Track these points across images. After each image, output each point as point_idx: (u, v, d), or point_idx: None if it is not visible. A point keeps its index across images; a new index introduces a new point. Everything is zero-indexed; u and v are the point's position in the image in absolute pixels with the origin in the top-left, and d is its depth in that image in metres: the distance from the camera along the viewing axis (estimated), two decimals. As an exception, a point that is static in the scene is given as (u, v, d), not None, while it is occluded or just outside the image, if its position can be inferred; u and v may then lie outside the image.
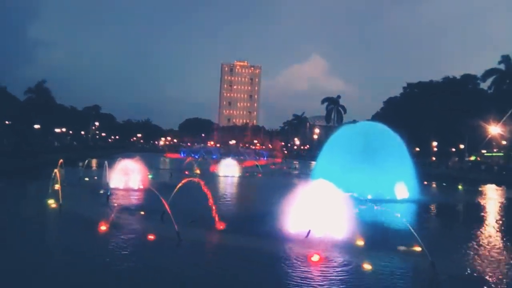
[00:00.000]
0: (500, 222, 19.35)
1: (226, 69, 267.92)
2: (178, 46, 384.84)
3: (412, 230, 10.56)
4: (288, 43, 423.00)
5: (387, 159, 23.97)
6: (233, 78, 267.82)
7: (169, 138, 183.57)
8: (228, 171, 38.33)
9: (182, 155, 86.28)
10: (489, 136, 58.17)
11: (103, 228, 12.97)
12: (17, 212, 16.00)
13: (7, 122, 72.70)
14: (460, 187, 36.29)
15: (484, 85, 68.12)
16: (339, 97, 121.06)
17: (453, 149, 73.24)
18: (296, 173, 49.67)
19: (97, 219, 13.74)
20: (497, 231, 16.64)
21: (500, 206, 26.12)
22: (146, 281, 8.84)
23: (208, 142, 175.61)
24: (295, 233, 12.89)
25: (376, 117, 77.50)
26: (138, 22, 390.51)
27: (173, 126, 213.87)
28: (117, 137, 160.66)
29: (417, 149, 70.62)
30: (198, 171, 38.66)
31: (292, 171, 54.44)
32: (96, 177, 29.19)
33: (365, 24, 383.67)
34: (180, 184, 15.27)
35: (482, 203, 27.07)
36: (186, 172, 37.01)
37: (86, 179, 28.64)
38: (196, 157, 68.68)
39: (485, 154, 70.93)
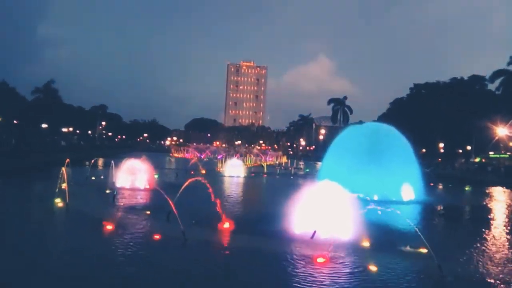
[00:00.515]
0: (507, 224, 19.19)
1: (232, 69, 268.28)
2: (184, 47, 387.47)
3: (418, 232, 10.50)
4: (294, 43, 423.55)
5: (393, 160, 23.88)
6: (239, 78, 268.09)
7: (175, 138, 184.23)
8: (234, 171, 38.45)
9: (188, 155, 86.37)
10: (497, 137, 57.63)
11: (109, 227, 13.05)
12: (24, 211, 16.12)
13: (15, 121, 73.33)
14: (467, 188, 36.03)
15: (492, 86, 67.69)
16: (345, 97, 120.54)
17: (460, 151, 72.70)
18: (302, 174, 49.67)
19: (103, 219, 13.84)
20: (505, 233, 16.52)
21: (507, 208, 25.89)
22: (150, 281, 8.87)
23: (214, 142, 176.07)
24: (301, 233, 12.88)
25: (383, 118, 77.24)
26: (146, 23, 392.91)
27: (179, 127, 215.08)
28: (123, 137, 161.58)
29: (424, 150, 70.19)
30: (203, 171, 38.76)
31: (297, 171, 54.42)
32: (102, 177, 29.39)
33: (372, 25, 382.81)
34: (186, 184, 15.30)
35: (488, 205, 26.86)
36: (192, 172, 37.12)
37: (93, 178, 28.83)
38: (201, 157, 68.80)
39: (491, 155, 70.31)
